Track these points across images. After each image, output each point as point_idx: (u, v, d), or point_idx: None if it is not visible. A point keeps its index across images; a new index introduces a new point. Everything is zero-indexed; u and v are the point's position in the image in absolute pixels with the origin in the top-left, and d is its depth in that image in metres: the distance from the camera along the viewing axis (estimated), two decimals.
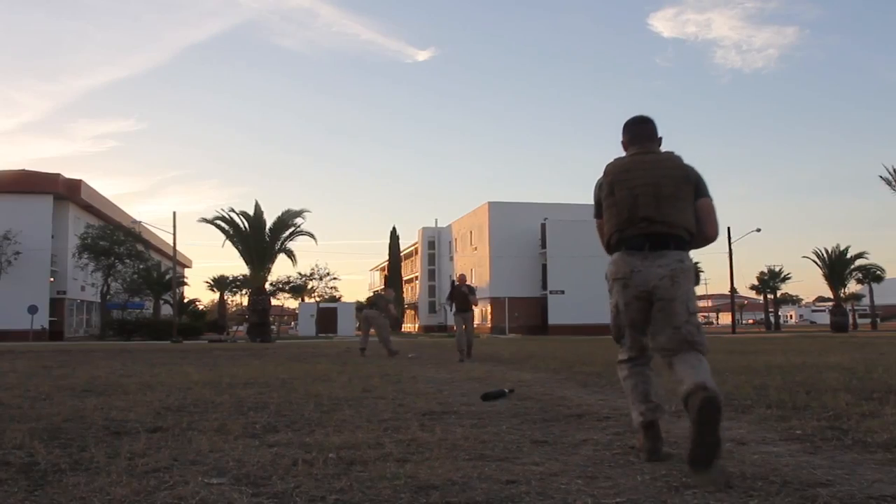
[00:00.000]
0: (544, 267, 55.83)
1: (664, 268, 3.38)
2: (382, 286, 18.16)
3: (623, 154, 3.74)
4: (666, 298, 3.36)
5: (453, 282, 14.68)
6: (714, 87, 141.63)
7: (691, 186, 3.53)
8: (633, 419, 3.60)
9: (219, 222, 36.89)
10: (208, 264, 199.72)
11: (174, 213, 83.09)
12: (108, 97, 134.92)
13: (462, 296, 13.93)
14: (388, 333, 15.65)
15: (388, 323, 15.85)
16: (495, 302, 55.98)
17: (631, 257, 3.47)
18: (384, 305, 16.04)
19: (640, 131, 3.73)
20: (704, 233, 3.55)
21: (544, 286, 55.72)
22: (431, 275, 78.12)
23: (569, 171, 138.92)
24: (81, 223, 48.21)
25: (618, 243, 3.55)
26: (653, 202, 3.45)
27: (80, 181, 48.05)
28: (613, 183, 3.59)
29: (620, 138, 3.77)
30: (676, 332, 3.33)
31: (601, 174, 3.70)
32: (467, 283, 14.53)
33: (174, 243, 45.10)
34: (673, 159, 3.62)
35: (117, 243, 44.76)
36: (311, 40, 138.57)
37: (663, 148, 3.73)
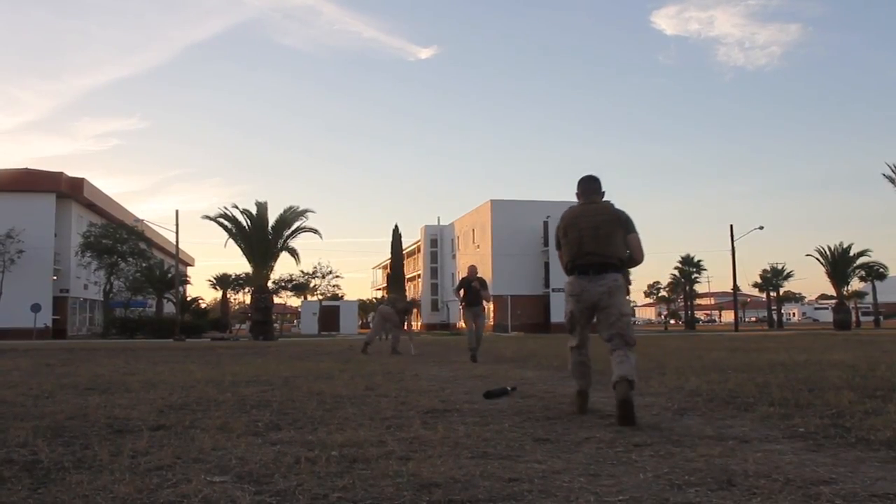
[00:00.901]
0: (546, 265, 55.80)
1: (604, 286, 4.90)
2: (411, 297, 19.03)
3: (576, 202, 5.30)
4: (605, 307, 4.91)
5: (466, 278, 13.06)
6: (717, 84, 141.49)
7: (622, 227, 5.02)
8: (574, 386, 5.33)
9: (221, 220, 36.90)
10: (211, 262, 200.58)
11: (176, 212, 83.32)
12: (111, 96, 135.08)
13: (473, 290, 12.77)
14: (400, 335, 15.80)
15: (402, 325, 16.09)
16: (498, 300, 55.96)
17: (581, 279, 5.01)
18: (407, 311, 16.30)
19: (587, 188, 5.25)
20: (633, 259, 5.10)
21: (547, 284, 55.71)
22: (434, 273, 78.12)
23: (571, 169, 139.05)
24: (84, 221, 48.29)
25: (572, 269, 5.08)
26: (594, 240, 4.97)
27: (82, 180, 48.13)
28: (567, 227, 5.15)
29: (576, 190, 5.28)
30: (612, 327, 4.88)
31: (560, 220, 5.27)
32: (478, 275, 13.17)
33: (177, 241, 45.19)
34: (609, 208, 5.13)
35: (120, 242, 44.83)
36: (314, 38, 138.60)
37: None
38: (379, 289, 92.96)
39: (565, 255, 5.14)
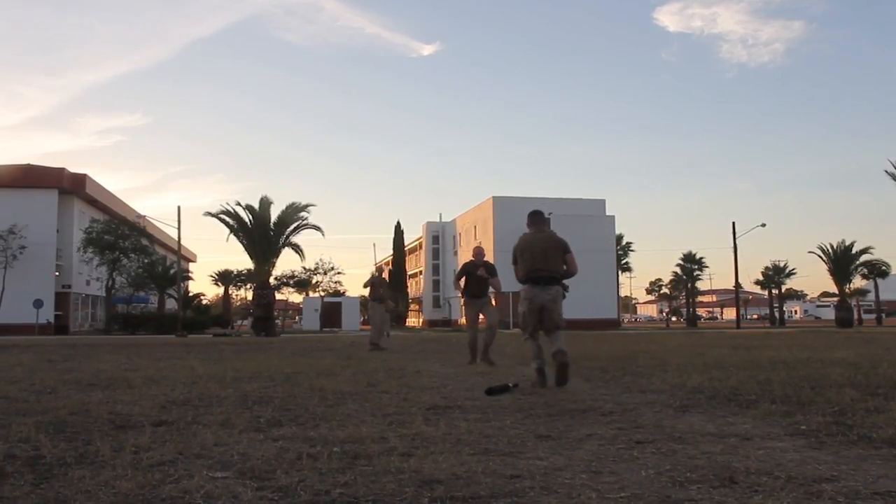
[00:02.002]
0: None
1: (550, 294, 6.99)
2: (377, 272, 16.20)
3: (527, 230, 7.31)
4: (549, 309, 6.96)
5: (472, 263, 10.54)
6: (720, 81, 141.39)
7: (561, 249, 7.09)
8: (532, 366, 7.01)
9: (223, 216, 36.94)
10: (213, 258, 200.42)
11: (178, 208, 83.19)
12: (114, 92, 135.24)
13: (476, 279, 10.27)
14: (387, 327, 15.58)
15: (388, 316, 15.71)
16: (500, 297, 55.94)
17: (534, 288, 7.03)
18: (385, 294, 15.71)
19: (536, 220, 7.44)
20: (570, 272, 7.14)
21: None
22: (436, 269, 78.11)
23: (574, 166, 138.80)
24: (86, 217, 48.29)
25: (527, 280, 7.07)
26: (544, 260, 7.01)
27: (84, 176, 48.16)
28: (523, 249, 7.18)
29: (526, 221, 7.39)
30: (552, 322, 6.93)
31: (517, 242, 7.31)
32: (485, 259, 10.55)
33: (178, 237, 45.18)
34: (553, 236, 7.25)
35: (122, 237, 44.84)
36: (316, 35, 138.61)
37: None
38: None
39: (521, 269, 7.13)
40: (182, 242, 46.45)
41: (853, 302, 62.37)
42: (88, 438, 4.00)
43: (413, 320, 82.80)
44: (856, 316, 60.01)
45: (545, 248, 7.04)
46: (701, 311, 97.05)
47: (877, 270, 60.85)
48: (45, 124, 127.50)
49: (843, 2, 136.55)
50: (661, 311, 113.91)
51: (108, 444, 3.79)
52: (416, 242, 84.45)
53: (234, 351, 15.57)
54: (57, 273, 46.01)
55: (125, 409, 5.25)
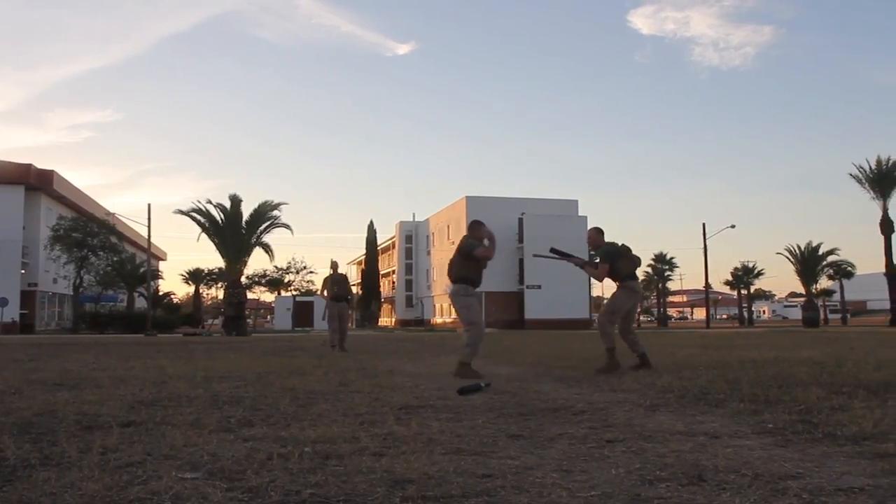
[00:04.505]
0: (521, 262, 55.97)
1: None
2: (331, 270, 14.75)
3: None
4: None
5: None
6: (692, 83, 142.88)
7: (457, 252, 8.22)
8: (465, 356, 7.90)
9: (194, 214, 36.59)
10: (184, 257, 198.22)
11: (149, 206, 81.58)
12: (85, 87, 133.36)
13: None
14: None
15: (347, 314, 14.64)
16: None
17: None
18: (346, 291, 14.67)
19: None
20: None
21: (521, 281, 55.87)
22: (409, 269, 78.01)
23: (547, 166, 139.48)
24: (54, 214, 47.54)
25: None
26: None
27: (52, 172, 47.40)
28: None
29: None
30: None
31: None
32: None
33: (149, 235, 44.64)
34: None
35: (91, 235, 44.20)
36: (291, 32, 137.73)
37: None
38: (354, 284, 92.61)
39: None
40: (152, 240, 45.93)
41: (819, 302, 63.41)
42: (54, 439, 3.93)
43: (385, 320, 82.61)
44: (822, 316, 61.03)
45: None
46: (672, 311, 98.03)
47: (842, 271, 62.03)
48: (11, 119, 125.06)
49: (812, 8, 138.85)
50: None
51: (75, 445, 3.73)
52: (390, 242, 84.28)
53: (204, 350, 15.41)
54: (23, 271, 45.22)
55: (92, 409, 5.17)
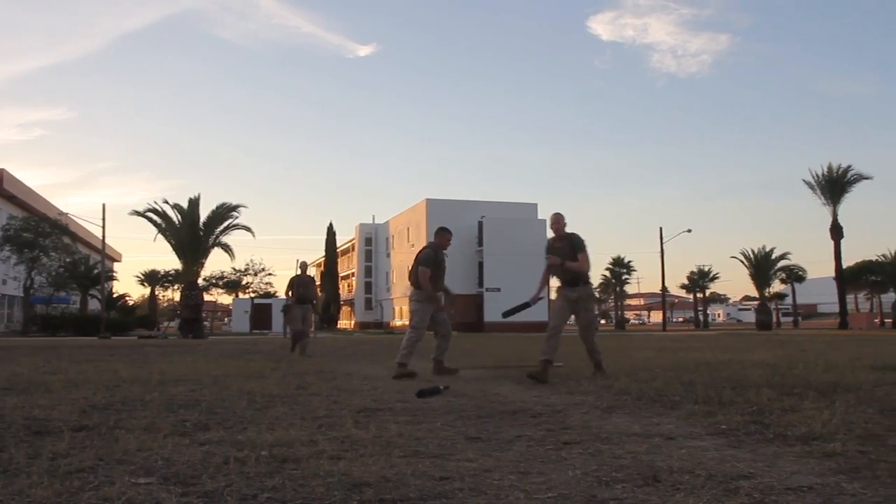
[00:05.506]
0: (480, 265, 56.21)
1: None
2: (299, 271, 14.43)
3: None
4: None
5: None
6: (650, 89, 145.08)
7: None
8: (401, 357, 8.25)
9: (150, 215, 35.90)
10: (139, 258, 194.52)
11: (103, 206, 79.94)
12: (37, 84, 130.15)
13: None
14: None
15: (311, 317, 14.18)
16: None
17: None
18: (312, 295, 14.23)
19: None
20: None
21: (480, 283, 56.08)
22: (368, 271, 77.77)
23: (507, 170, 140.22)
24: (4, 214, 46.28)
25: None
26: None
27: (2, 170, 46.14)
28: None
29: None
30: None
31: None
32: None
33: (103, 236, 43.69)
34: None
35: (42, 235, 43.09)
36: (251, 32, 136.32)
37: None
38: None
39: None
40: (107, 241, 44.98)
41: (772, 305, 64.86)
42: (1, 445, 3.83)
43: (345, 322, 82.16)
44: (774, 319, 62.42)
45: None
46: (629, 314, 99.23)
47: (794, 275, 63.54)
48: None
49: (767, 18, 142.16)
50: None
51: (24, 450, 3.63)
52: (349, 244, 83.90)
53: (160, 353, 15.14)
54: None
55: (42, 413, 5.05)
